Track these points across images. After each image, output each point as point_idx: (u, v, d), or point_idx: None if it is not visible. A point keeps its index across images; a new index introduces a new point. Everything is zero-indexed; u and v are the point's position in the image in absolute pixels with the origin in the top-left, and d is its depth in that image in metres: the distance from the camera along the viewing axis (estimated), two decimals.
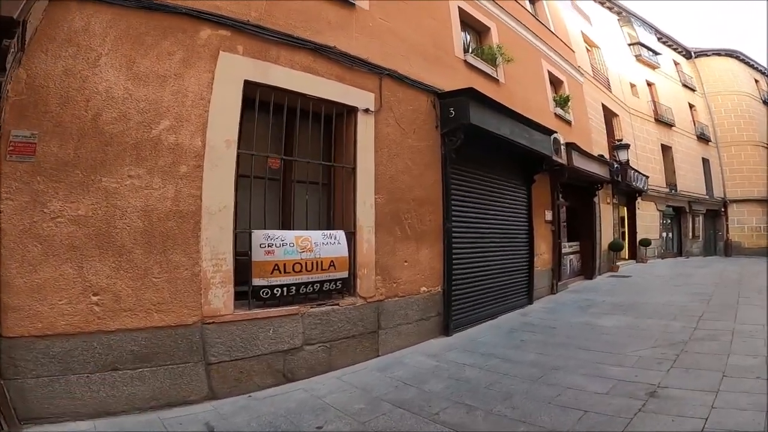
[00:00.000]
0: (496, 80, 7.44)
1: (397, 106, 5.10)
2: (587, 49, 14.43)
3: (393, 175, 4.91)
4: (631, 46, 18.01)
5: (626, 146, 12.04)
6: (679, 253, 17.73)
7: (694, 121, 20.33)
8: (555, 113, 9.48)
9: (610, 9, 17.64)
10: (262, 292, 3.64)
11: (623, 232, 14.29)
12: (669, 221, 17.40)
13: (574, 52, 11.94)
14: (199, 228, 3.35)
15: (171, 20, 3.33)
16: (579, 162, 8.60)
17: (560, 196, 9.62)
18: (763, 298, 6.80)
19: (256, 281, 3.62)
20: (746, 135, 21.01)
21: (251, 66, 3.74)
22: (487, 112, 5.74)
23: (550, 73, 9.87)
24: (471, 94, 5.47)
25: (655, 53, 18.97)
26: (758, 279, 9.24)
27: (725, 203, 20.57)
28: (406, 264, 4.98)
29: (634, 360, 4.09)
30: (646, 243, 14.18)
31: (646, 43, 18.56)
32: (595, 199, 10.79)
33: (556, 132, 7.54)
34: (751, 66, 23.67)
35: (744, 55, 23.03)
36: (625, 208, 14.44)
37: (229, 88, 3.55)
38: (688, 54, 22.60)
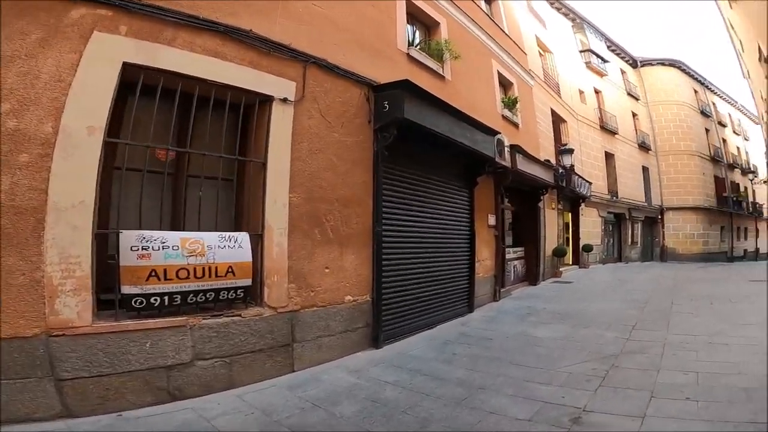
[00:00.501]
0: (441, 76, 7.11)
1: (324, 97, 4.61)
2: (540, 53, 14.57)
3: (314, 172, 4.40)
4: (582, 53, 18.38)
5: (570, 151, 12.18)
6: (619, 259, 18.41)
7: (636, 130, 21.25)
8: (502, 115, 9.33)
9: (565, 15, 18.02)
10: (135, 302, 3.08)
11: (567, 238, 14.55)
12: (610, 227, 18.02)
13: (526, 54, 11.94)
14: (43, 227, 2.75)
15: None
16: (523, 165, 8.45)
17: (505, 200, 9.49)
18: (694, 305, 6.90)
19: (127, 289, 3.05)
20: (683, 144, 22.24)
21: (133, 47, 3.23)
22: (425, 107, 5.35)
23: (500, 74, 9.72)
24: (407, 86, 5.05)
25: (604, 61, 19.49)
26: (691, 285, 9.53)
27: (662, 210, 21.69)
28: (327, 270, 4.48)
29: (564, 378, 3.81)
30: (588, 249, 14.50)
31: (597, 51, 18.98)
32: (540, 204, 10.79)
33: (499, 133, 7.30)
34: (691, 76, 24.92)
35: (685, 65, 24.12)
36: (570, 214, 14.72)
37: (100, 70, 3.07)
38: (634, 63, 23.39)
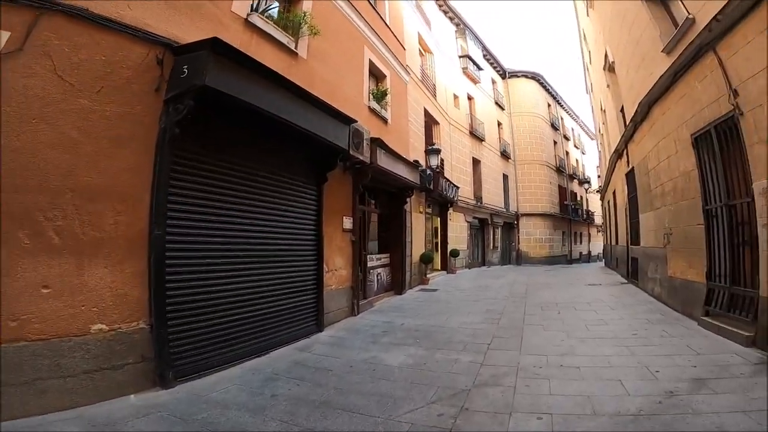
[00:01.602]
0: (293, 53, 5.87)
1: (69, 53, 3.17)
2: (421, 52, 14.36)
3: (25, 149, 2.78)
4: (461, 58, 18.86)
5: (437, 151, 11.99)
6: (483, 263, 19.44)
7: (500, 138, 22.91)
8: (370, 107, 8.45)
9: (451, 19, 18.32)
10: None
11: (436, 243, 14.54)
12: (475, 232, 18.91)
13: (405, 50, 11.39)
14: None
15: None
16: (385, 162, 7.62)
17: (370, 202, 8.61)
18: (544, 315, 6.81)
19: None
20: (536, 154, 24.76)
21: None
22: (245, 77, 4.01)
23: (372, 63, 8.85)
24: (215, 46, 3.67)
25: (479, 68, 20.33)
26: (540, 291, 9.86)
27: (518, 216, 23.80)
28: (46, 291, 2.90)
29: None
30: (455, 254, 14.70)
31: (474, 58, 19.63)
32: (407, 207, 10.21)
33: (356, 121, 6.28)
34: (547, 90, 27.92)
35: (543, 79, 26.76)
36: (438, 219, 14.76)
37: None
38: (504, 73, 25.13)
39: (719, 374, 3.62)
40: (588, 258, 30.72)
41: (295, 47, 5.90)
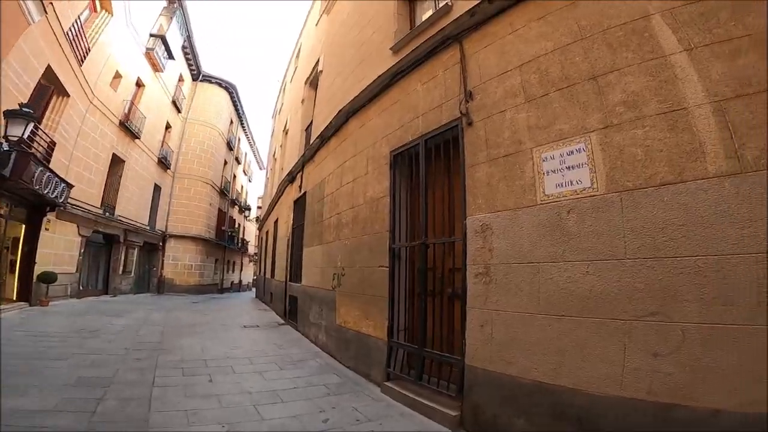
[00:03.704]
0: None
1: None
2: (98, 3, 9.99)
3: None
4: (153, 38, 15.07)
5: (27, 115, 7.25)
6: (105, 290, 14.17)
7: (163, 142, 18.57)
8: None
9: None
10: None
11: (12, 260, 8.85)
12: (96, 251, 13.62)
13: None
14: None
15: None
16: None
17: None
18: (186, 388, 4.08)
19: None
20: (202, 170, 21.68)
21: None
22: None
23: None
24: None
25: (170, 57, 16.49)
26: (182, 338, 6.95)
27: (165, 237, 19.65)
28: None
29: None
30: (50, 279, 9.42)
31: (170, 43, 15.97)
32: None
33: None
34: (236, 106, 25.90)
35: (236, 93, 24.78)
36: (23, 226, 9.18)
37: None
38: (198, 74, 21.84)
39: None
40: (239, 287, 29.72)
41: None
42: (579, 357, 2.53)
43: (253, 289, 25.50)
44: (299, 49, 14.07)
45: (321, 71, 9.12)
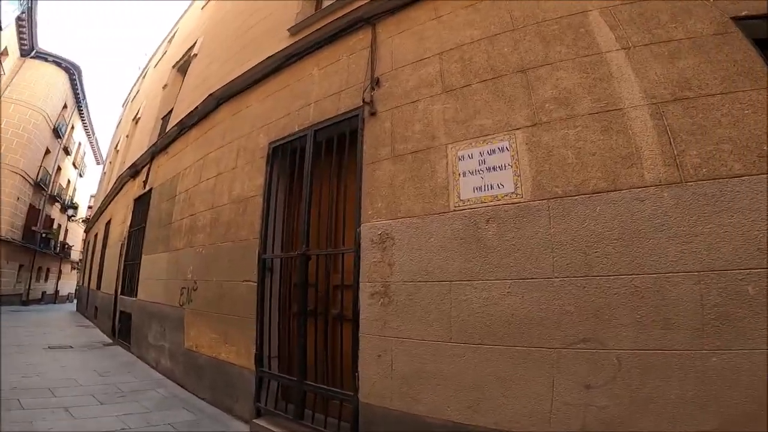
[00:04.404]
0: None
1: None
2: None
3: None
4: None
5: None
6: None
7: None
8: None
9: None
10: None
11: None
12: None
13: None
14: None
15: None
16: None
17: None
18: None
19: None
20: (12, 158, 16.90)
21: None
22: None
23: None
24: None
25: None
26: None
27: None
28: None
29: None
30: None
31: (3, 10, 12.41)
32: None
33: None
34: (75, 89, 21.56)
35: (79, 75, 20.95)
36: None
37: None
38: (30, 49, 17.85)
39: None
40: (55, 299, 23.57)
41: None
42: (500, 392, 2.06)
43: (75, 301, 20.46)
44: (175, 33, 12.11)
45: (195, 54, 7.75)
